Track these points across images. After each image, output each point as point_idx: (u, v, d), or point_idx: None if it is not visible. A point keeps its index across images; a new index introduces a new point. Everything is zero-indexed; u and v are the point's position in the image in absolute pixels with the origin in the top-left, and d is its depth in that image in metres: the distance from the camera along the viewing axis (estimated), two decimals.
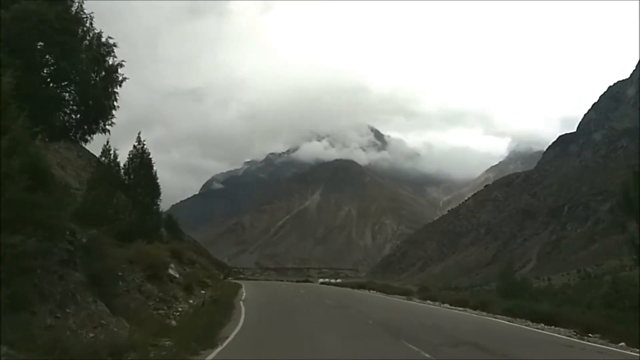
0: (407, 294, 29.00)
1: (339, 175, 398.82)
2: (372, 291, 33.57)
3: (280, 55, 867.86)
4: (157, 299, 12.71)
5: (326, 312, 18.17)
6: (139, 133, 22.09)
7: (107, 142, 20.11)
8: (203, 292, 19.90)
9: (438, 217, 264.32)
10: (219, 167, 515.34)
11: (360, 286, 39.18)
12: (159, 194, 22.63)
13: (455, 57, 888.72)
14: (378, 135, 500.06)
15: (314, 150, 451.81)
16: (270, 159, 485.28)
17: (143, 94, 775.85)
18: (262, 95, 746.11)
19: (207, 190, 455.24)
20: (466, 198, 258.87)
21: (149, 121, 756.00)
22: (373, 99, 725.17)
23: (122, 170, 21.22)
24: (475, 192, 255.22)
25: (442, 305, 21.82)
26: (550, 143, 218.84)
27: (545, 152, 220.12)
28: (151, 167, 22.22)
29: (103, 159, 20.35)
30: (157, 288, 13.55)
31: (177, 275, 16.78)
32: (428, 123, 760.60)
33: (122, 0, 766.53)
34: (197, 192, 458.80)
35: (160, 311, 11.99)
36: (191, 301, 15.74)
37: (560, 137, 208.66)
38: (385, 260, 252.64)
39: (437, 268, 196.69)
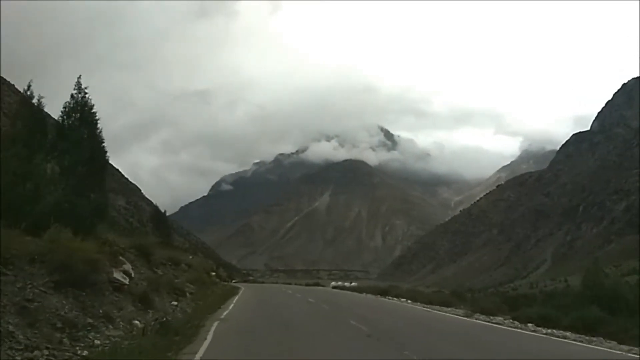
0: (448, 303, 22.21)
1: (349, 176, 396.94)
2: (401, 299, 26.33)
3: (289, 56, 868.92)
4: (56, 325, 7.50)
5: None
6: (79, 77, 14.36)
7: (29, 86, 13.40)
8: (175, 303, 14.57)
9: (449, 218, 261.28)
10: (228, 168, 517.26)
11: (383, 292, 32.37)
12: (104, 163, 14.87)
13: (466, 57, 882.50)
14: (388, 135, 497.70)
15: (323, 151, 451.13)
16: (279, 160, 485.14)
17: (151, 95, 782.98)
18: (271, 96, 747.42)
19: (216, 192, 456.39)
20: (478, 198, 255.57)
21: (158, 123, 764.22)
22: (382, 99, 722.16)
23: (56, 128, 14.43)
24: (488, 192, 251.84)
25: (526, 325, 14.16)
26: (563, 142, 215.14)
27: (558, 151, 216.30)
28: (95, 125, 14.48)
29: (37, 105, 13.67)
30: (73, 302, 8.68)
31: (127, 282, 11.40)
32: (439, 123, 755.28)
33: (130, 1, 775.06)
34: (205, 194, 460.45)
35: (37, 352, 6.56)
36: (138, 322, 10.07)
37: (573, 135, 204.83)
38: (396, 261, 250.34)
39: (449, 269, 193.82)
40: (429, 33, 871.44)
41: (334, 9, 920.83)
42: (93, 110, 14.48)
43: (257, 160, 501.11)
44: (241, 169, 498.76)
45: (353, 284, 58.43)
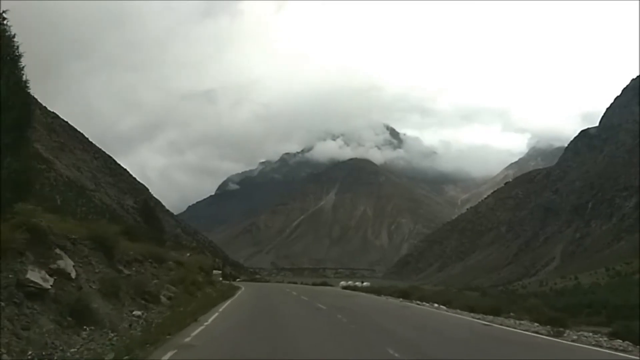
0: (495, 310, 17.65)
1: (354, 175, 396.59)
2: (434, 305, 21.81)
3: (294, 55, 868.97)
4: None
5: None
6: None
7: None
8: (138, 313, 11.08)
9: (456, 216, 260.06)
10: (234, 167, 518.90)
11: (404, 294, 27.66)
12: (27, 115, 10.17)
13: (472, 54, 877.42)
14: (393, 133, 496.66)
15: (329, 150, 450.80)
16: (284, 159, 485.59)
17: (158, 96, 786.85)
18: (276, 95, 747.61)
19: (223, 191, 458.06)
20: (485, 196, 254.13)
21: (165, 123, 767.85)
22: (388, 97, 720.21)
23: None
24: (495, 189, 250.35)
25: None
26: (571, 139, 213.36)
27: (566, 147, 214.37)
28: (16, 62, 9.85)
29: None
30: None
31: (50, 285, 8.02)
32: (445, 121, 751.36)
33: (137, 1, 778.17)
34: (212, 193, 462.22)
35: None
36: (34, 353, 6.25)
37: (582, 132, 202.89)
38: (403, 260, 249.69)
39: (457, 268, 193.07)
40: (434, 31, 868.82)
41: (339, 8, 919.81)
42: (14, 42, 9.90)
43: (263, 160, 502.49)
44: (247, 169, 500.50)
45: (365, 283, 52.31)
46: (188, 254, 35.22)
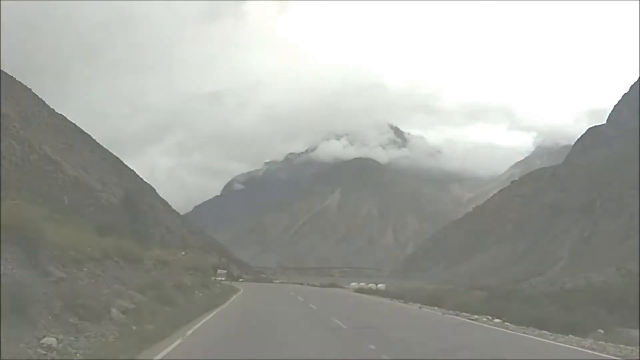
0: (580, 326, 14.11)
1: (359, 174, 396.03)
2: (490, 319, 17.33)
3: (297, 55, 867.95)
4: None
5: None
6: None
7: None
8: (50, 342, 7.03)
9: (462, 215, 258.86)
10: (240, 168, 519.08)
11: (434, 300, 23.90)
12: None
13: (476, 51, 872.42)
14: (398, 132, 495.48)
15: (333, 150, 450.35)
16: (289, 159, 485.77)
17: (165, 98, 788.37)
18: (280, 95, 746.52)
19: (229, 191, 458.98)
20: (491, 195, 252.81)
21: (172, 125, 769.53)
22: (392, 96, 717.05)
23: None
24: (501, 188, 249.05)
25: None
26: (577, 136, 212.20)
27: (573, 145, 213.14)
28: None
29: None
30: None
31: None
32: (449, 119, 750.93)
33: (143, 1, 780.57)
34: (218, 193, 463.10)
35: None
36: None
37: (589, 129, 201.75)
38: (408, 259, 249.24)
39: (463, 267, 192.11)
40: (437, 29, 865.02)
41: (341, 7, 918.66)
42: None
43: (268, 160, 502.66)
44: (252, 169, 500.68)
45: (379, 285, 45.51)
46: (183, 253, 34.04)
